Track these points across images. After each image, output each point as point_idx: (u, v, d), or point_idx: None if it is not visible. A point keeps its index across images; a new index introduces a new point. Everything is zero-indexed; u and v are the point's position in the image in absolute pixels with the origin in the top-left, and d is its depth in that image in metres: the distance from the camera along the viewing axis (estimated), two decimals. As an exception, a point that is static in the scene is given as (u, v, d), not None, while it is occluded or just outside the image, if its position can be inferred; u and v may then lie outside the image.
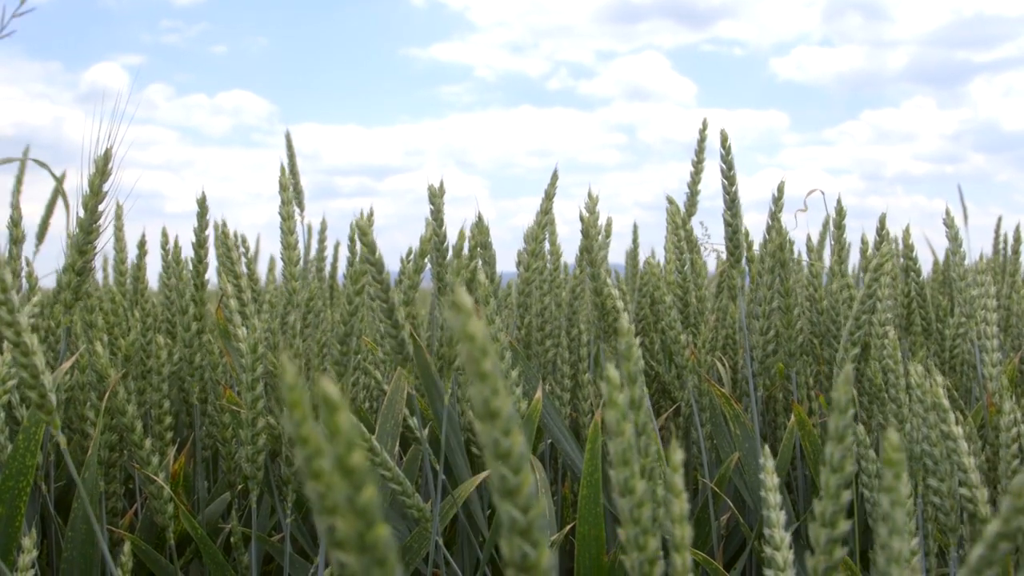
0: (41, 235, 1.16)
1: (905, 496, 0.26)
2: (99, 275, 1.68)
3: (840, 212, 1.06)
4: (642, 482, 0.38)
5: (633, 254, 1.33)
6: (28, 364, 0.67)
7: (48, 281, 1.17)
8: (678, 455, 0.35)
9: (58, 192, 1.10)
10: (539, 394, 0.88)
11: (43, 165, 1.14)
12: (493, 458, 0.25)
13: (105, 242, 0.83)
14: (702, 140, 1.17)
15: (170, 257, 1.06)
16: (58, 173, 1.15)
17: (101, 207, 0.81)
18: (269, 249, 2.26)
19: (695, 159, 1.17)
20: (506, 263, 1.16)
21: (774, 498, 0.54)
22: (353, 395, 1.03)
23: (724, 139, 0.99)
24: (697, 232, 1.22)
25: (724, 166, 1.00)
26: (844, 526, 0.31)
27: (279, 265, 1.09)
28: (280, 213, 0.98)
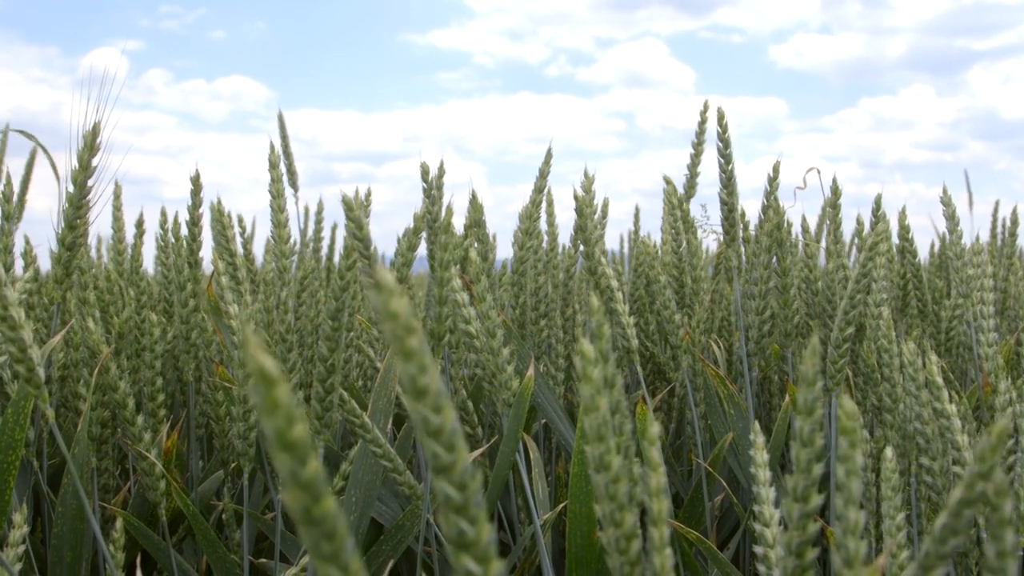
0: (19, 213, 1.15)
1: (859, 466, 0.25)
2: (102, 260, 1.68)
3: (835, 191, 1.06)
4: (618, 457, 0.37)
5: (633, 236, 1.32)
6: (16, 338, 0.67)
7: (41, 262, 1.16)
8: (654, 428, 0.35)
9: (31, 168, 1.09)
10: (531, 371, 0.87)
11: (28, 136, 1.13)
12: (425, 436, 0.24)
13: (96, 216, 0.83)
14: (703, 123, 1.16)
15: (168, 235, 1.06)
16: (56, 158, 1.14)
17: (90, 182, 0.81)
18: (266, 233, 2.26)
19: (695, 141, 1.17)
20: (504, 250, 1.16)
21: (764, 474, 0.54)
22: (346, 372, 1.03)
23: (721, 117, 0.99)
24: (698, 215, 1.21)
25: (721, 145, 1.00)
26: (816, 500, 0.31)
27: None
28: (270, 191, 0.97)
